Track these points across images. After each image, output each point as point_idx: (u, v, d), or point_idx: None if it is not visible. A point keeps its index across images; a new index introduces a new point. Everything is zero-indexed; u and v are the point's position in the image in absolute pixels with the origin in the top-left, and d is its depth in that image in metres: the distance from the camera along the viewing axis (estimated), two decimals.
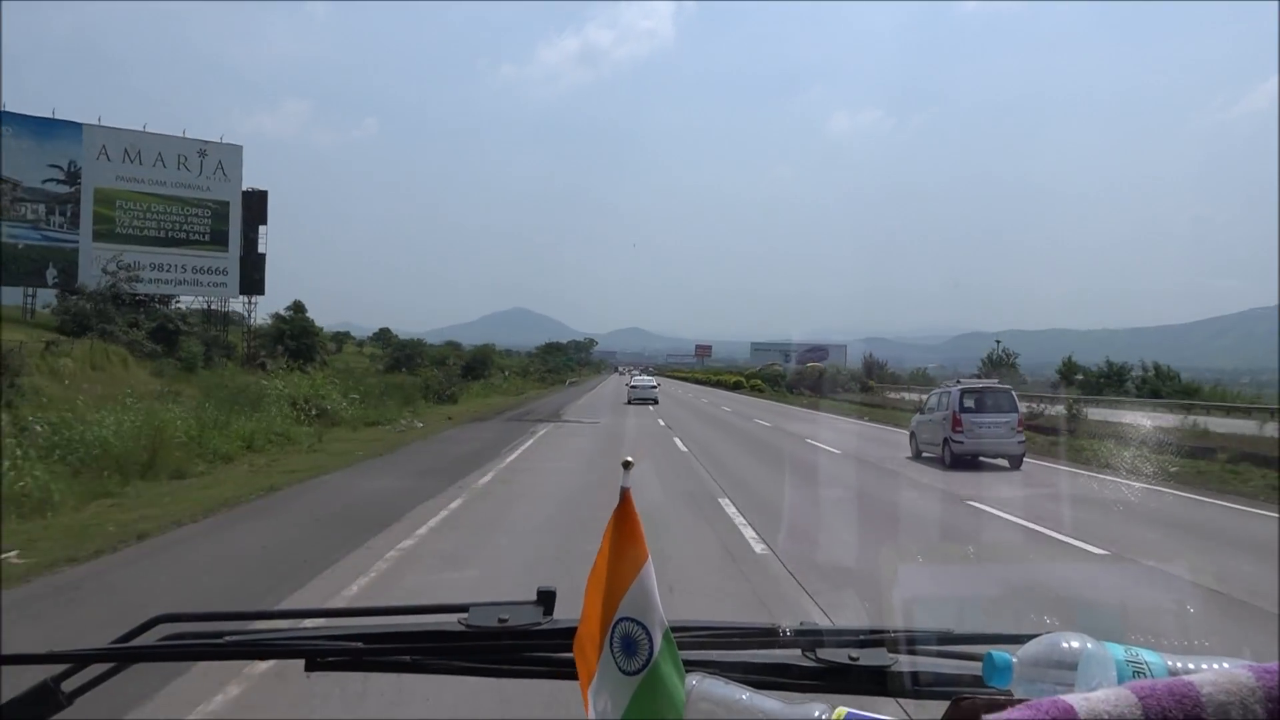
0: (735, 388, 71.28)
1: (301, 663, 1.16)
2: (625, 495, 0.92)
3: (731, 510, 9.94)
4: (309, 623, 1.32)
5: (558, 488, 11.74)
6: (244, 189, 57.51)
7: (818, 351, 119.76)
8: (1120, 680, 0.84)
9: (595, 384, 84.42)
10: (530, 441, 19.35)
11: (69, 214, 50.45)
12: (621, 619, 0.91)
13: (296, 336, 60.13)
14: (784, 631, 1.18)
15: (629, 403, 41.03)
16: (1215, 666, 0.74)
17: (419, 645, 1.18)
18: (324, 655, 1.15)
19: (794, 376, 69.65)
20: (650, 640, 0.90)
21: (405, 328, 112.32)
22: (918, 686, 1.10)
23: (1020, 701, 0.64)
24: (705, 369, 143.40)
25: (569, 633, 1.04)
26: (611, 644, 0.91)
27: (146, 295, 52.47)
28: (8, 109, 47.23)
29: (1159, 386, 47.20)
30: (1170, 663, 0.87)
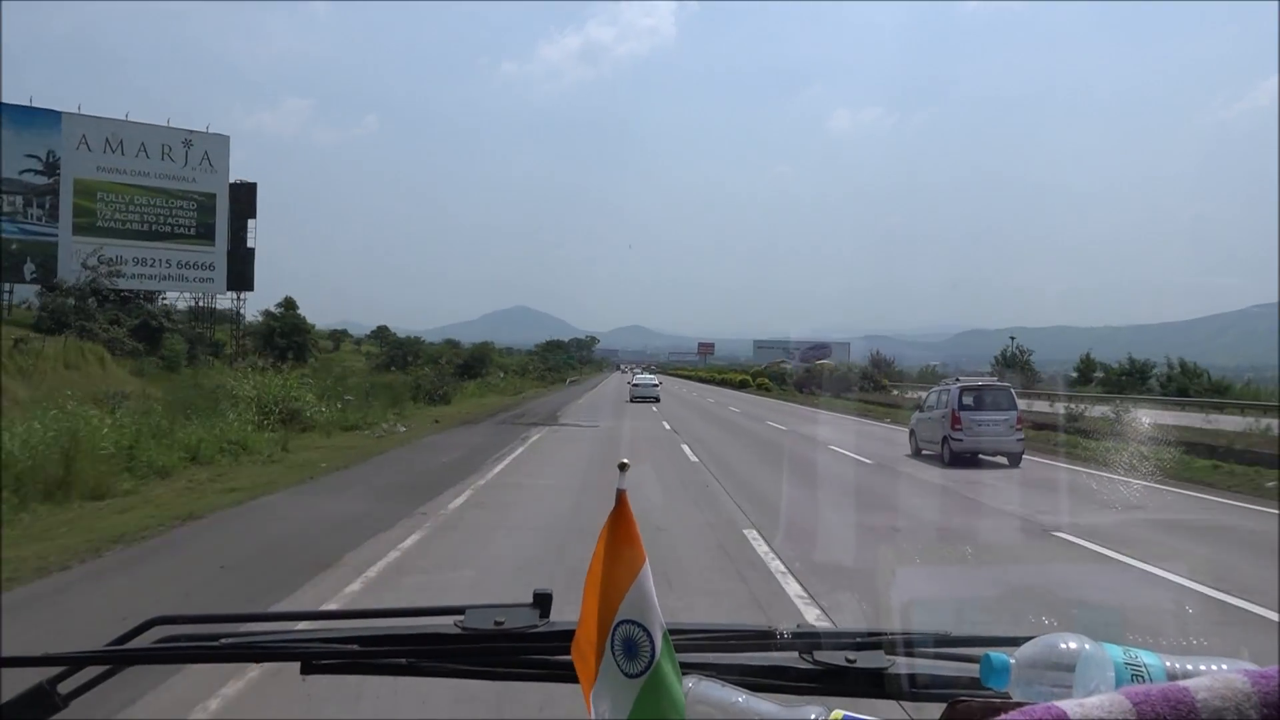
0: (741, 386, 69.28)
1: (297, 665, 1.15)
2: (621, 497, 0.92)
3: (763, 549, 7.81)
4: (304, 625, 1.31)
5: (544, 514, 9.67)
6: (232, 181, 55.43)
7: (821, 349, 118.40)
8: (1118, 682, 0.83)
9: (597, 383, 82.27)
10: (520, 449, 17.26)
11: (47, 206, 48.42)
12: (621, 621, 0.91)
13: (287, 334, 58.28)
14: (781, 634, 1.17)
15: (630, 401, 40.99)
16: (1213, 669, 0.75)
17: (415, 648, 1.17)
18: (319, 658, 1.15)
19: (802, 375, 67.57)
20: (651, 643, 0.90)
21: (407, 326, 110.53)
22: (915, 689, 1.09)
23: (1015, 706, 0.64)
24: (708, 367, 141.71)
25: (565, 635, 1.05)
26: (613, 647, 0.91)
27: (130, 291, 50.48)
28: None
29: (1186, 384, 45.09)
30: (1169, 664, 0.85)
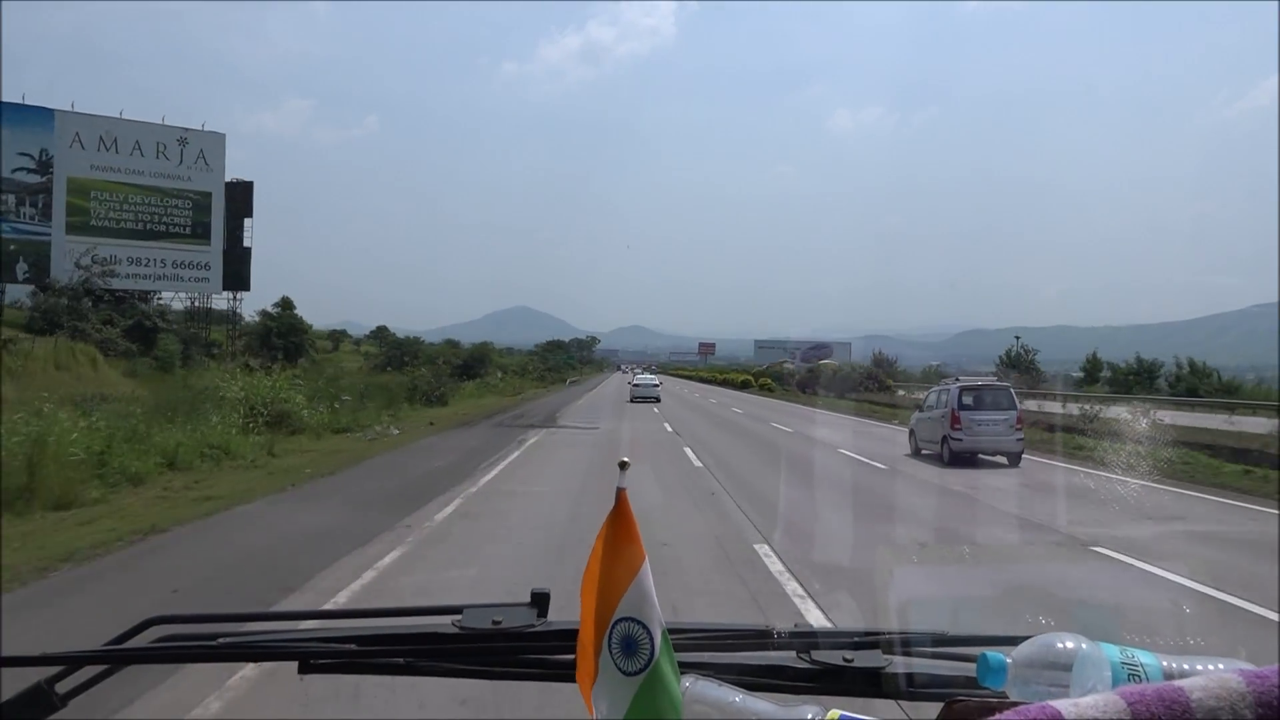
0: (743, 386, 68.51)
1: (295, 665, 1.15)
2: (621, 496, 0.92)
3: (777, 567, 7.09)
4: (303, 625, 1.30)
5: (537, 527, 8.95)
6: (228, 179, 54.69)
7: (822, 349, 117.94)
8: (1115, 682, 0.83)
9: (597, 383, 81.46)
10: (516, 453, 16.55)
11: (40, 205, 47.70)
12: (620, 619, 0.90)
13: (284, 334, 57.62)
14: (779, 633, 1.17)
15: (631, 401, 40.78)
16: (1209, 669, 0.74)
17: (413, 647, 1.16)
18: (317, 657, 1.14)
19: (805, 375, 66.83)
20: (651, 640, 0.90)
21: (409, 327, 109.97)
22: (912, 688, 1.09)
23: (1012, 705, 0.64)
24: (709, 367, 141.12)
25: (563, 634, 1.08)
26: (610, 644, 0.90)
27: (124, 291, 49.77)
28: None
29: (1195, 384, 44.41)
30: (1166, 664, 0.85)
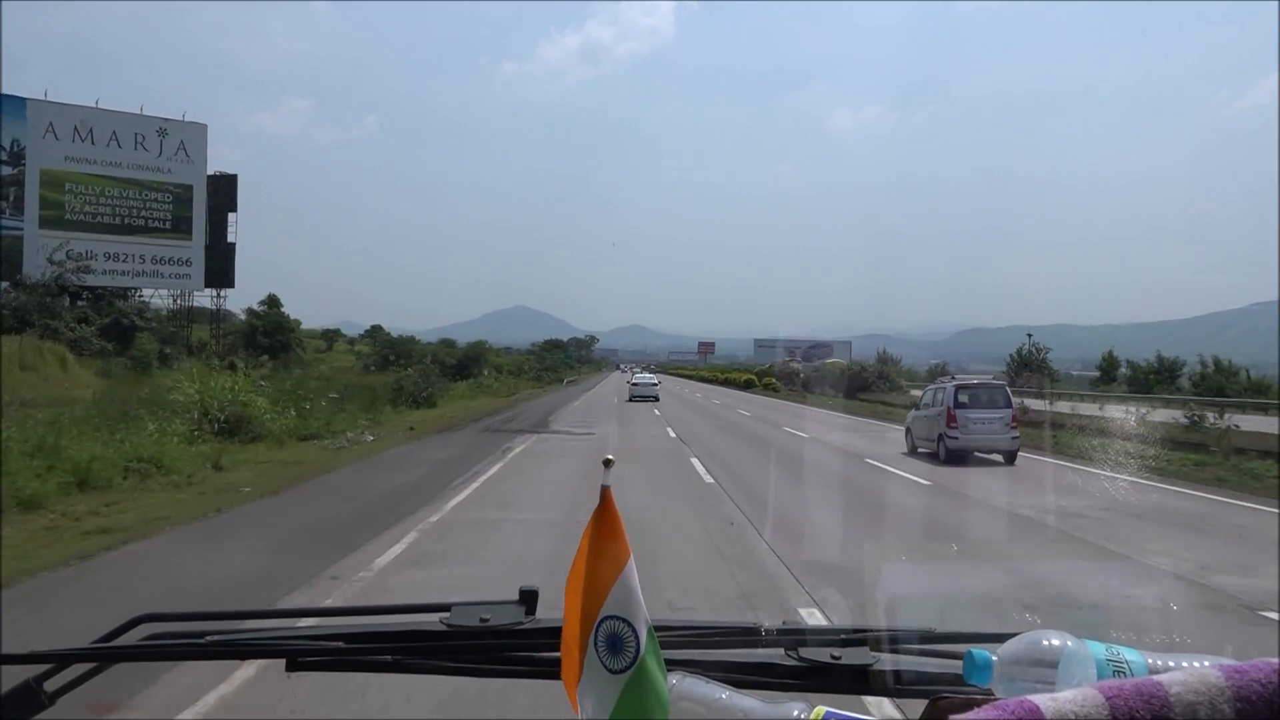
0: (746, 386, 66.41)
1: (283, 663, 1.14)
2: (606, 494, 0.91)
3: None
4: (292, 622, 1.29)
5: (508, 571, 6.85)
6: (211, 172, 52.54)
7: (823, 348, 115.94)
8: (1100, 678, 0.82)
9: (595, 383, 79.31)
10: (499, 465, 14.46)
11: (11, 198, 45.52)
12: (606, 617, 0.89)
13: (270, 333, 55.53)
14: (766, 630, 1.16)
15: (630, 400, 40.39)
16: (1193, 665, 0.76)
17: (400, 645, 1.16)
18: (305, 655, 1.14)
19: (810, 374, 64.76)
20: (636, 638, 0.89)
21: (407, 326, 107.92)
22: (899, 685, 1.09)
23: (991, 700, 0.65)
24: (709, 366, 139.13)
25: (551, 632, 1.05)
26: (596, 643, 0.90)
27: (101, 288, 47.66)
28: None
29: (1222, 383, 42.34)
30: (1151, 660, 0.85)
